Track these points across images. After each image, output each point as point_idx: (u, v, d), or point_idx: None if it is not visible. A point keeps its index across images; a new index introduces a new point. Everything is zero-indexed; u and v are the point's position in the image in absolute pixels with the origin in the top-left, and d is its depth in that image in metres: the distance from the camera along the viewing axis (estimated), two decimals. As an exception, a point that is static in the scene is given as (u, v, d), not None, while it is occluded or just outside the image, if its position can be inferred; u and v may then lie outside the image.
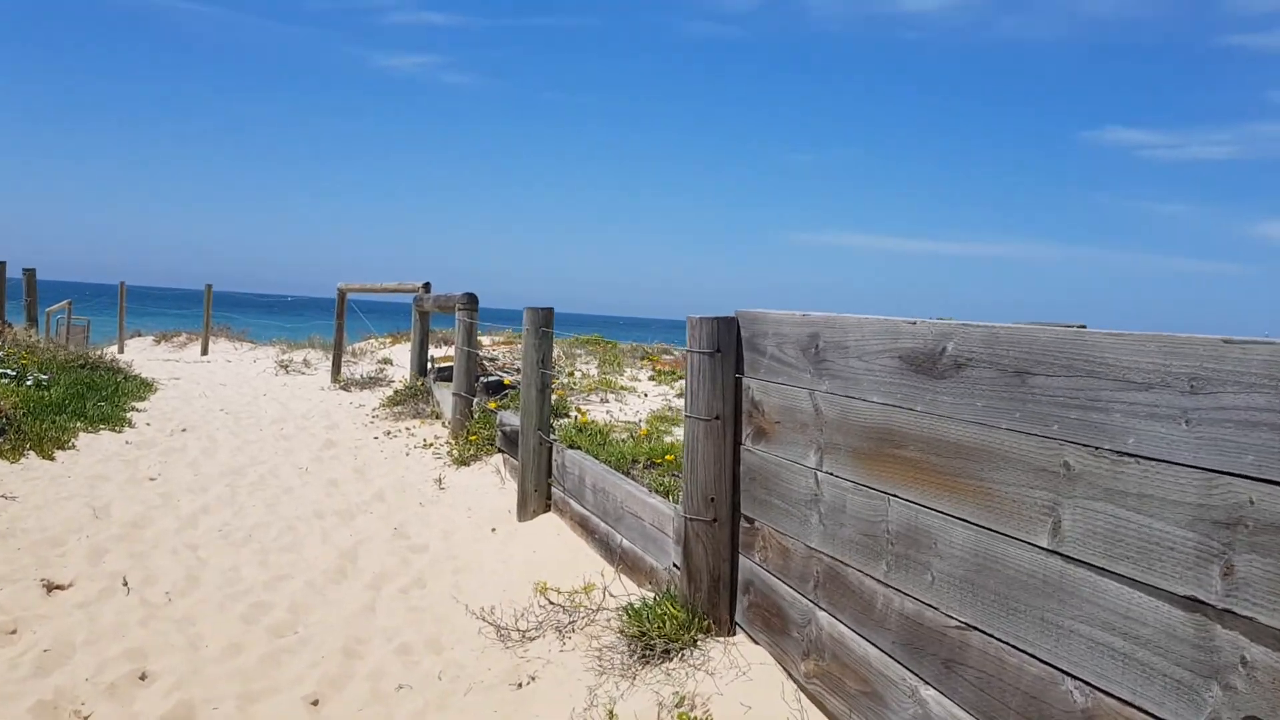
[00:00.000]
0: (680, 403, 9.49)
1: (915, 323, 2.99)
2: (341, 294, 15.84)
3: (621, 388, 9.89)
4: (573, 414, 8.13)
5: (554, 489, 6.64)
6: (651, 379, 10.79)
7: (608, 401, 9.34)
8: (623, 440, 7.01)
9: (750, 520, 4.00)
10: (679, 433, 7.72)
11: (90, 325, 27.14)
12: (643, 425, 7.87)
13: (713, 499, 4.07)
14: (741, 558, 4.07)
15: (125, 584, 5.36)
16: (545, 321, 6.76)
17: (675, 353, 20.73)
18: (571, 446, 6.53)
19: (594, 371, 11.25)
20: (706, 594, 4.08)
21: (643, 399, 9.67)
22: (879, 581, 3.12)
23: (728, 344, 4.06)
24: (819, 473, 3.48)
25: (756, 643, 3.90)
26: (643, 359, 14.35)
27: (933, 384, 2.88)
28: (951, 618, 2.79)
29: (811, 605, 3.51)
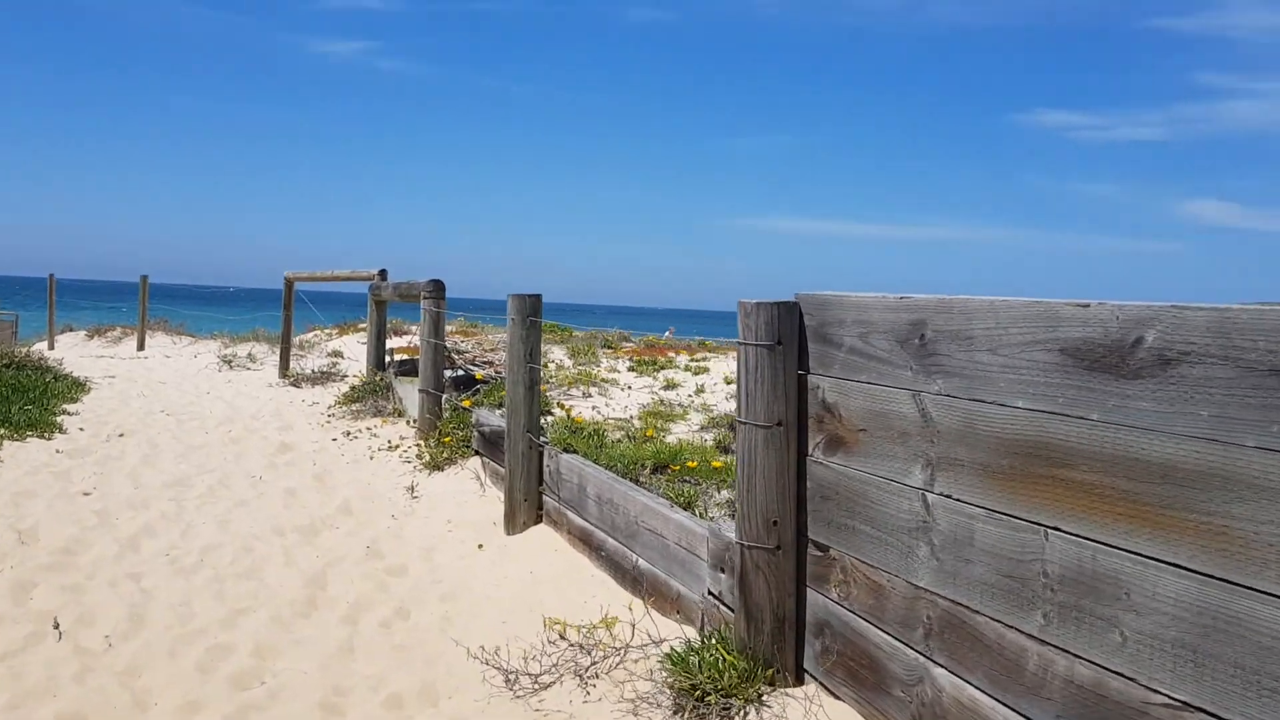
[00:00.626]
0: (670, 395, 8.80)
1: (1088, 305, 2.31)
2: (289, 283, 14.92)
3: (603, 380, 9.17)
4: (556, 410, 7.39)
5: (546, 498, 5.91)
6: (631, 370, 10.08)
7: (590, 396, 8.61)
8: (619, 441, 6.30)
9: (823, 548, 3.31)
10: (679, 430, 7.04)
11: (19, 320, 25.81)
12: (636, 422, 7.16)
13: (775, 522, 3.37)
14: (811, 592, 3.38)
15: (56, 627, 4.55)
16: (533, 310, 6.02)
17: (634, 340, 20.04)
18: (566, 450, 5.80)
19: (567, 362, 10.50)
20: (770, 636, 3.39)
21: (627, 392, 8.96)
22: (1031, 637, 2.44)
23: (789, 334, 3.35)
24: (929, 494, 2.80)
25: (838, 698, 3.21)
26: (604, 348, 13.65)
27: (1120, 386, 2.20)
28: (1157, 692, 2.12)
29: (922, 659, 2.83)
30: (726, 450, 6.37)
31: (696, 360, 11.77)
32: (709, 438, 6.72)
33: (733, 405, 8.53)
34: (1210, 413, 2.00)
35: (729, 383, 9.46)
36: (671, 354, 13.77)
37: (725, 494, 5.20)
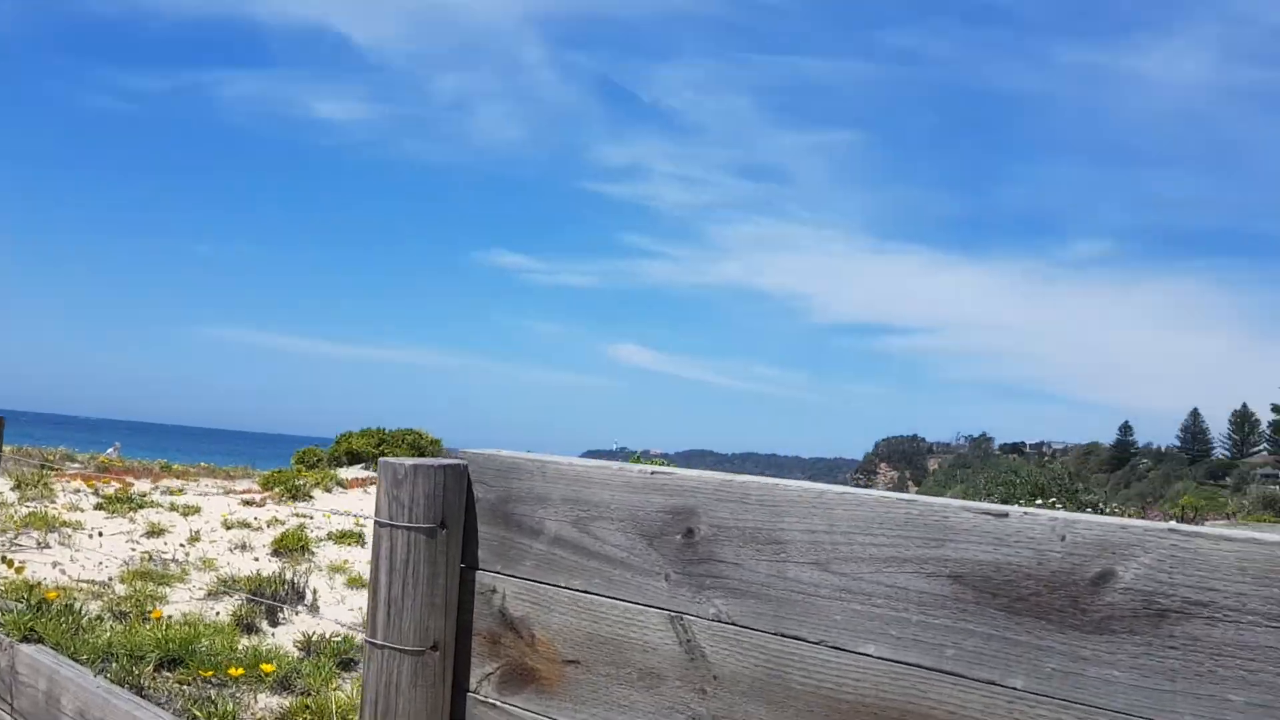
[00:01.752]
0: (157, 544, 7.09)
1: (1005, 514, 1.59)
2: None
3: (64, 524, 7.20)
4: (1, 569, 5.51)
5: (-13, 705, 4.17)
6: (100, 508, 8.13)
7: (49, 546, 6.65)
8: (100, 619, 4.70)
9: (488, 829, 2.26)
10: (180, 599, 5.50)
11: None
12: (119, 586, 5.51)
13: (420, 794, 2.28)
14: None
15: None
16: (-10, 438, 4.34)
17: (80, 460, 17.33)
18: (28, 638, 4.15)
19: (10, 495, 8.27)
20: None
21: (97, 540, 7.08)
22: None
23: (455, 513, 2.34)
24: (693, 769, 1.91)
25: None
26: (43, 467, 11.30)
27: (1069, 641, 1.49)
28: None
29: None
30: (251, 629, 5.01)
31: (175, 494, 9.96)
32: (221, 609, 5.29)
33: (240, 560, 7.06)
34: (1247, 699, 1.35)
35: (228, 527, 7.91)
36: (132, 480, 11.72)
37: (267, 699, 3.90)
